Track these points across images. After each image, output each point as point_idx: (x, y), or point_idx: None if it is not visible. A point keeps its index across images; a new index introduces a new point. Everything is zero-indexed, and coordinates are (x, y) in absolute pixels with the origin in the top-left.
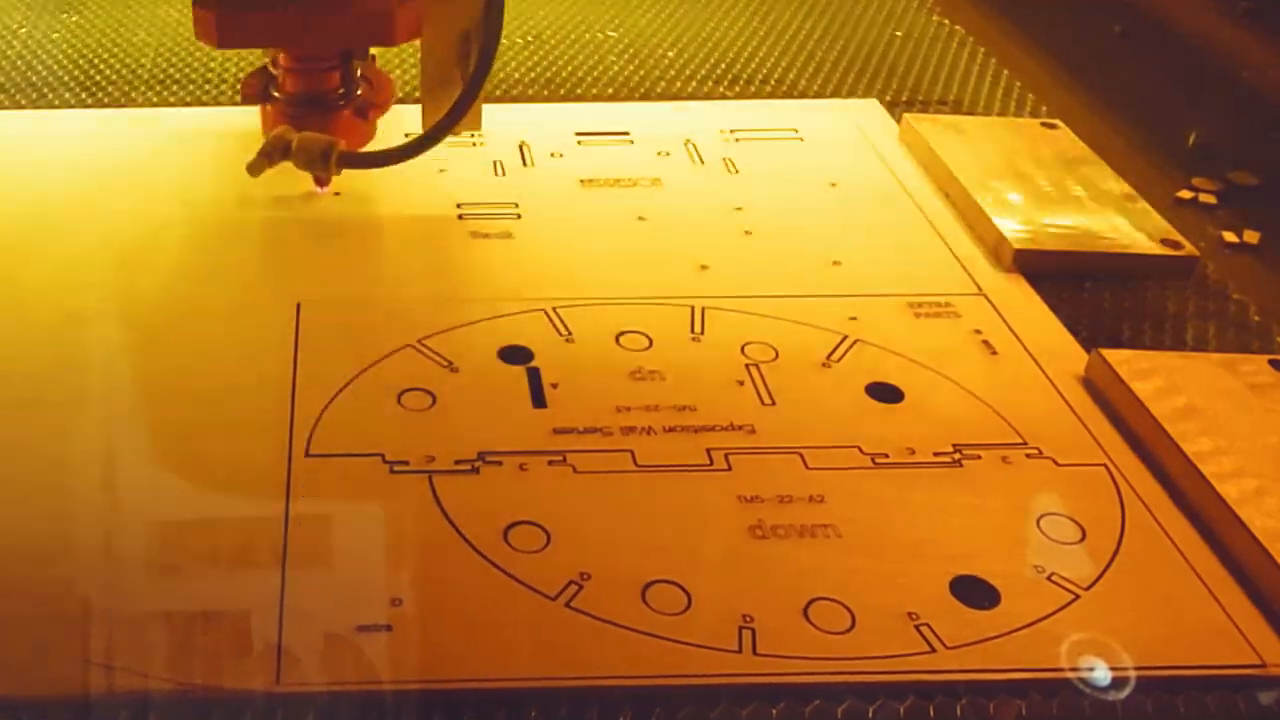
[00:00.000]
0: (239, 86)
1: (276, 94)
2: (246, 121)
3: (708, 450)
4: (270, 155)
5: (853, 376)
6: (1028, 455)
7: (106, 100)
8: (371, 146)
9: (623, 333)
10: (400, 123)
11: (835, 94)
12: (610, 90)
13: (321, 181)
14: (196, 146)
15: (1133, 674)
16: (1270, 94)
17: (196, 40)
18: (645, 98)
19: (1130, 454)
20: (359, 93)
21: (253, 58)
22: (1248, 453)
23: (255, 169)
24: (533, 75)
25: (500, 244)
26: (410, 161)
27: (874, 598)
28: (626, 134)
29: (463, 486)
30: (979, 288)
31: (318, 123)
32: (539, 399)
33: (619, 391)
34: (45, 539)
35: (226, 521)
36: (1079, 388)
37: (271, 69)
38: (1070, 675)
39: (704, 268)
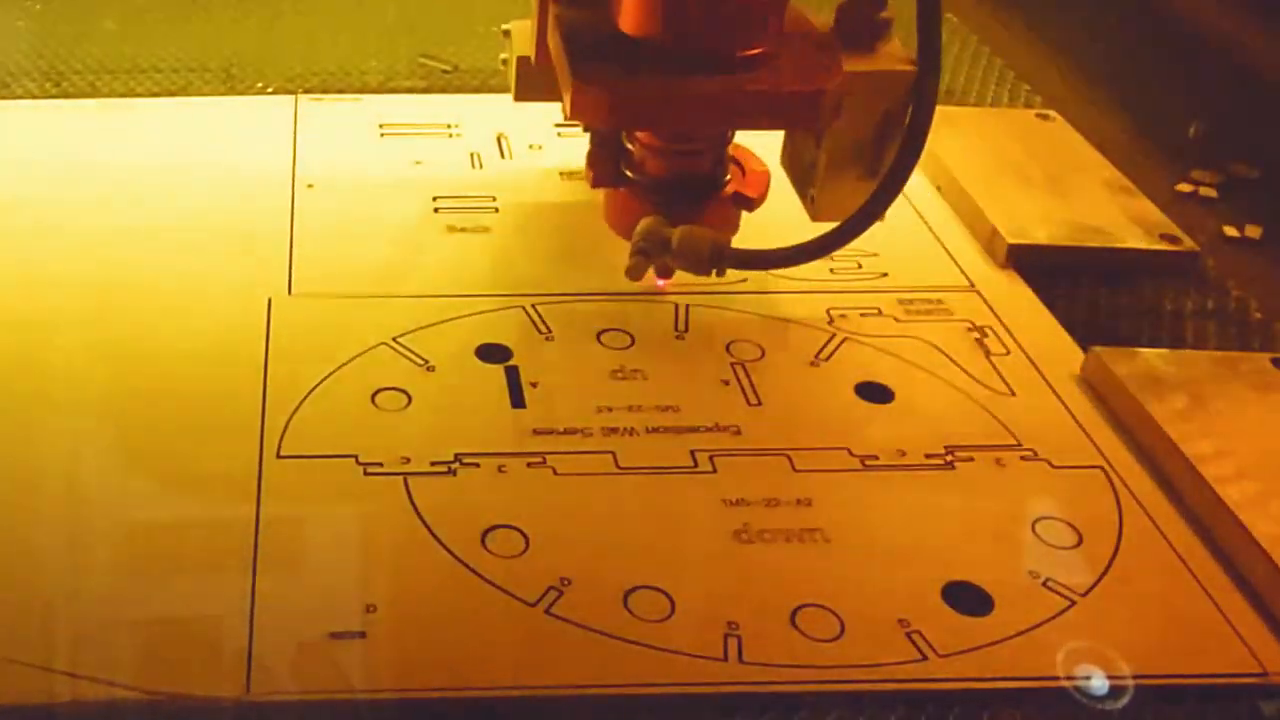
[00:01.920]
0: (584, 168)
1: (630, 174)
2: (218, 112)
3: (692, 452)
4: (648, 252)
5: (842, 376)
6: (1022, 457)
7: (72, 90)
8: None
9: (604, 330)
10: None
11: None
12: None
13: (667, 273)
14: (166, 138)
15: (1131, 683)
16: (1273, 82)
17: (572, 119)
18: None
19: (1128, 456)
20: (728, 178)
21: (235, 48)
22: (1249, 454)
23: (635, 272)
24: None
25: (478, 238)
26: (385, 153)
27: (863, 604)
28: None
29: (439, 489)
30: (972, 284)
31: (689, 213)
32: (518, 398)
33: (600, 391)
34: (7, 544)
35: (195, 525)
36: (1075, 387)
37: (627, 144)
38: (1066, 685)
39: None
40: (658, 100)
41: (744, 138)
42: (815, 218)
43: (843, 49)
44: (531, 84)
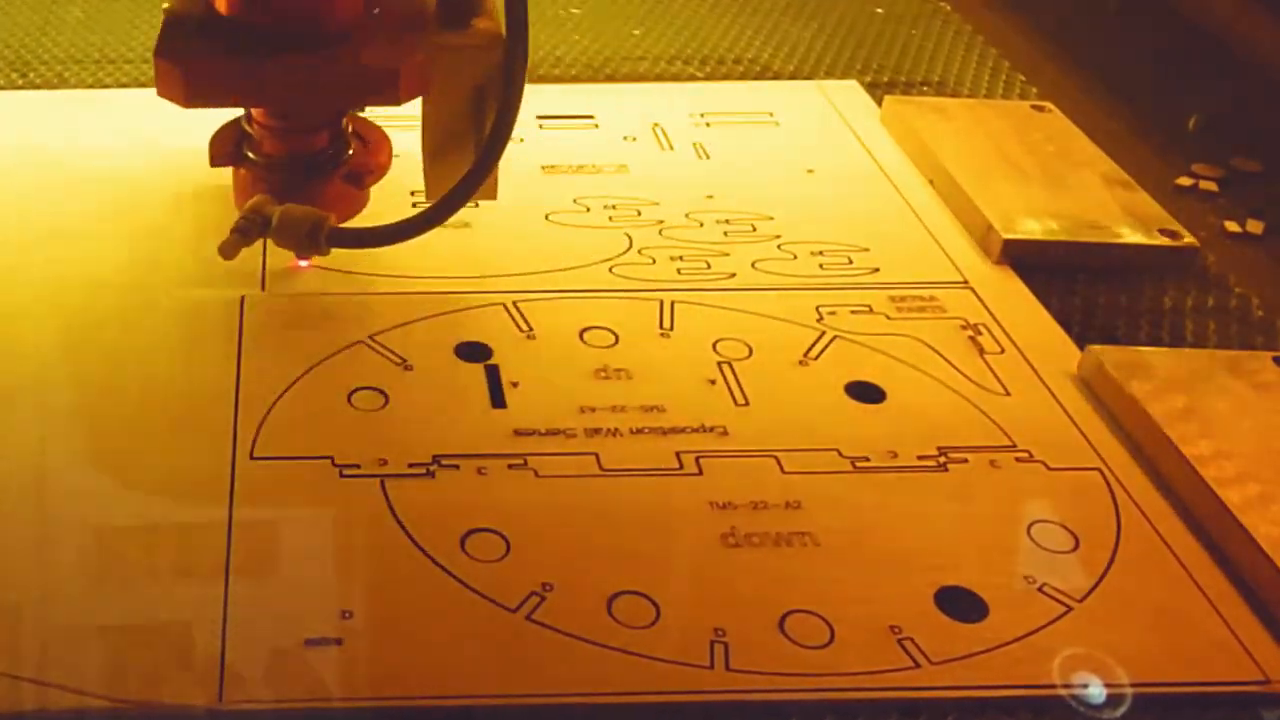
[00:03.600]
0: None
1: (252, 154)
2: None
3: (677, 453)
4: (246, 232)
5: (831, 375)
6: (1017, 459)
7: (40, 82)
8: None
9: (587, 328)
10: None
11: (812, 75)
12: (574, 71)
13: (303, 255)
14: (135, 131)
15: (1129, 691)
16: (1276, 74)
17: (159, 95)
18: (611, 79)
19: (1126, 457)
20: (349, 154)
21: None
22: (1251, 456)
23: (229, 250)
24: None
25: (457, 234)
26: None
27: (854, 610)
28: (591, 118)
29: (417, 491)
30: (965, 280)
31: (303, 191)
32: (498, 398)
33: (583, 391)
34: None
35: (166, 529)
36: (1072, 387)
37: (246, 126)
38: (1063, 692)
39: (674, 259)
40: (237, 77)
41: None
42: (428, 195)
43: (438, 25)
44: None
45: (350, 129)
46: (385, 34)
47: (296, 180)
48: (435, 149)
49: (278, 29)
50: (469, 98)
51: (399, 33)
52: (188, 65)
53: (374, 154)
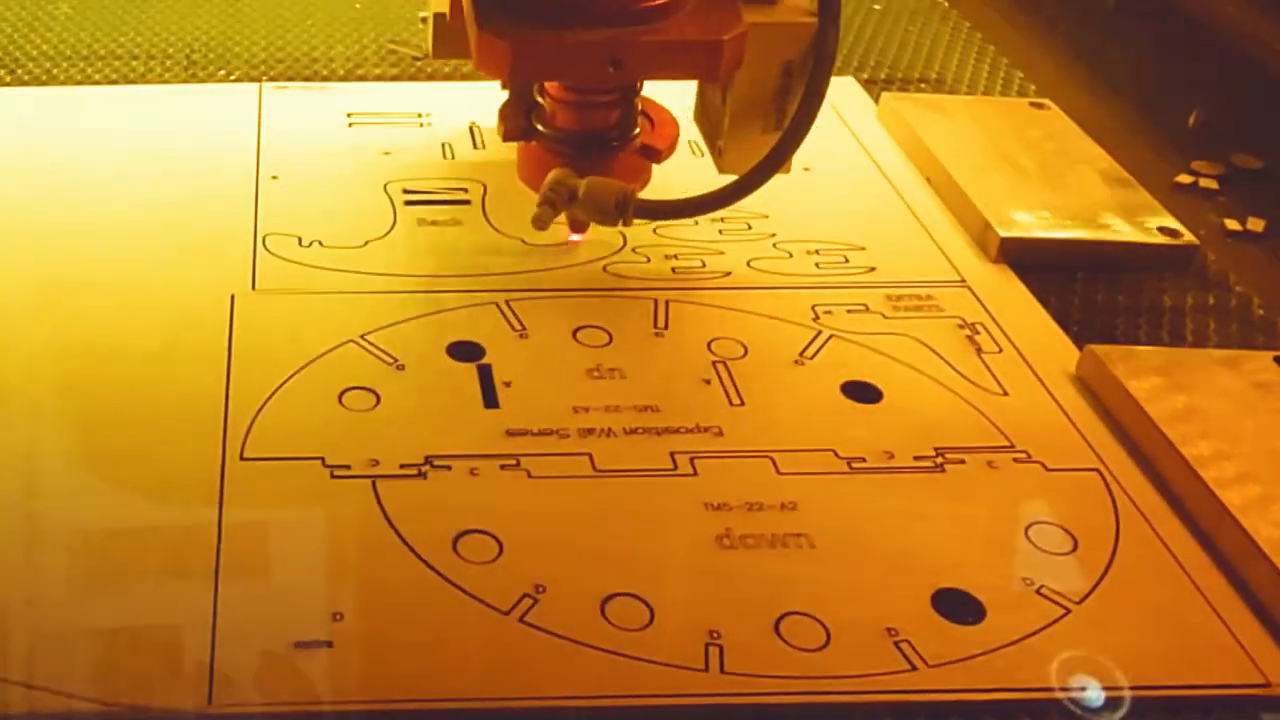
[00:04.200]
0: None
1: (541, 128)
2: (178, 101)
3: (672, 454)
4: (554, 203)
5: (827, 375)
6: (1015, 459)
7: (26, 78)
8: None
9: (580, 327)
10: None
11: None
12: None
13: (580, 228)
14: (124, 128)
15: (1128, 694)
16: (1276, 71)
17: (479, 70)
18: None
19: (1125, 458)
20: (637, 131)
21: (195, 34)
22: (1251, 456)
23: (541, 222)
24: None
25: (449, 231)
26: (352, 143)
27: (850, 612)
28: None
29: (409, 492)
30: (963, 279)
31: (601, 164)
32: (490, 399)
33: (576, 390)
34: None
35: (155, 530)
36: (1070, 386)
37: (539, 98)
38: (1061, 695)
39: (668, 258)
40: (560, 51)
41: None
42: (722, 170)
43: (745, 1)
44: (448, 40)
45: (640, 108)
46: (699, 9)
47: (597, 154)
48: (736, 124)
49: (589, 3)
50: (776, 74)
51: (715, 8)
52: (514, 40)
53: (662, 129)
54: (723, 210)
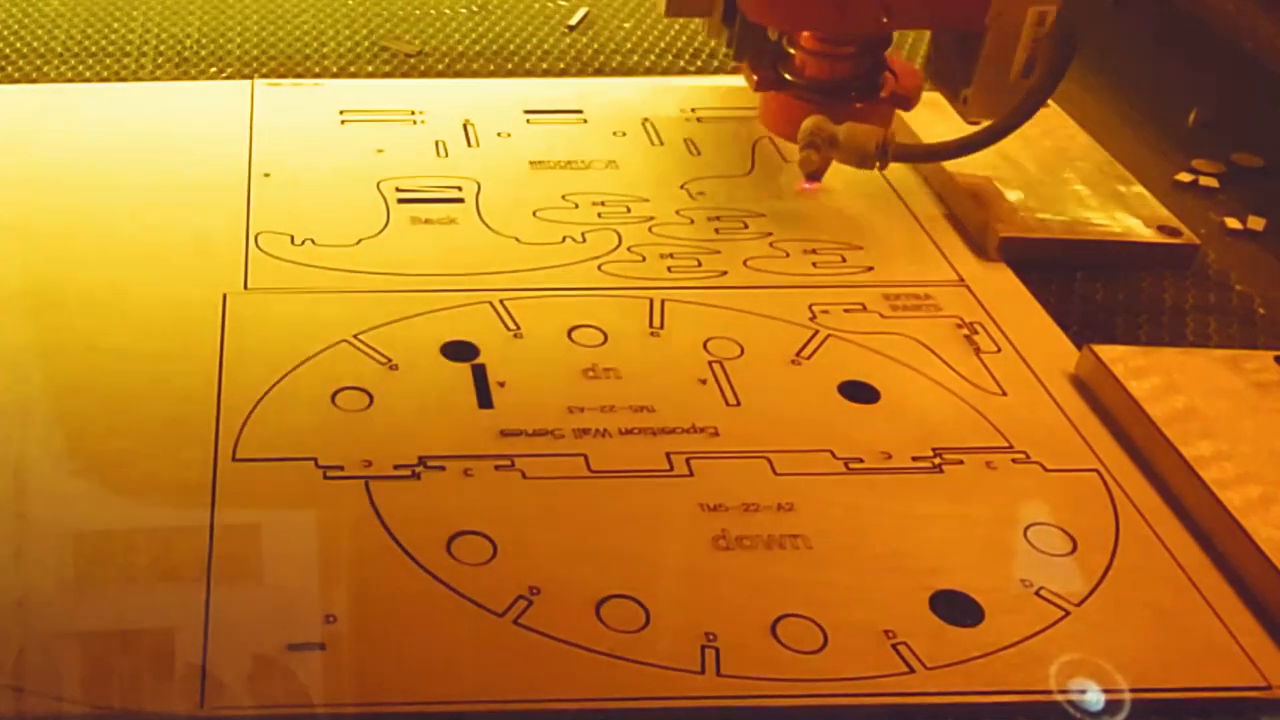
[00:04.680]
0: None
1: (790, 78)
2: (170, 98)
3: (667, 454)
4: (817, 146)
5: (824, 374)
6: (1014, 460)
7: (17, 75)
8: None
9: (575, 327)
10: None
11: None
12: (562, 65)
13: (817, 176)
14: (115, 126)
15: (1127, 696)
16: (1277, 68)
17: (751, 19)
18: (600, 73)
19: (1125, 458)
20: (881, 80)
21: (187, 29)
22: (1252, 457)
23: (807, 165)
24: (478, 48)
25: (443, 230)
26: (346, 142)
27: (847, 614)
28: (580, 112)
29: (402, 493)
30: (961, 278)
31: (852, 113)
32: (485, 399)
33: (571, 391)
34: None
35: (146, 532)
36: (1069, 386)
37: (788, 49)
38: (1060, 698)
39: (664, 257)
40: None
41: None
42: (968, 118)
43: None
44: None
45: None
46: None
47: (845, 102)
48: (985, 72)
49: None
50: (1030, 22)
51: None
52: None
53: (905, 78)
54: (718, 210)
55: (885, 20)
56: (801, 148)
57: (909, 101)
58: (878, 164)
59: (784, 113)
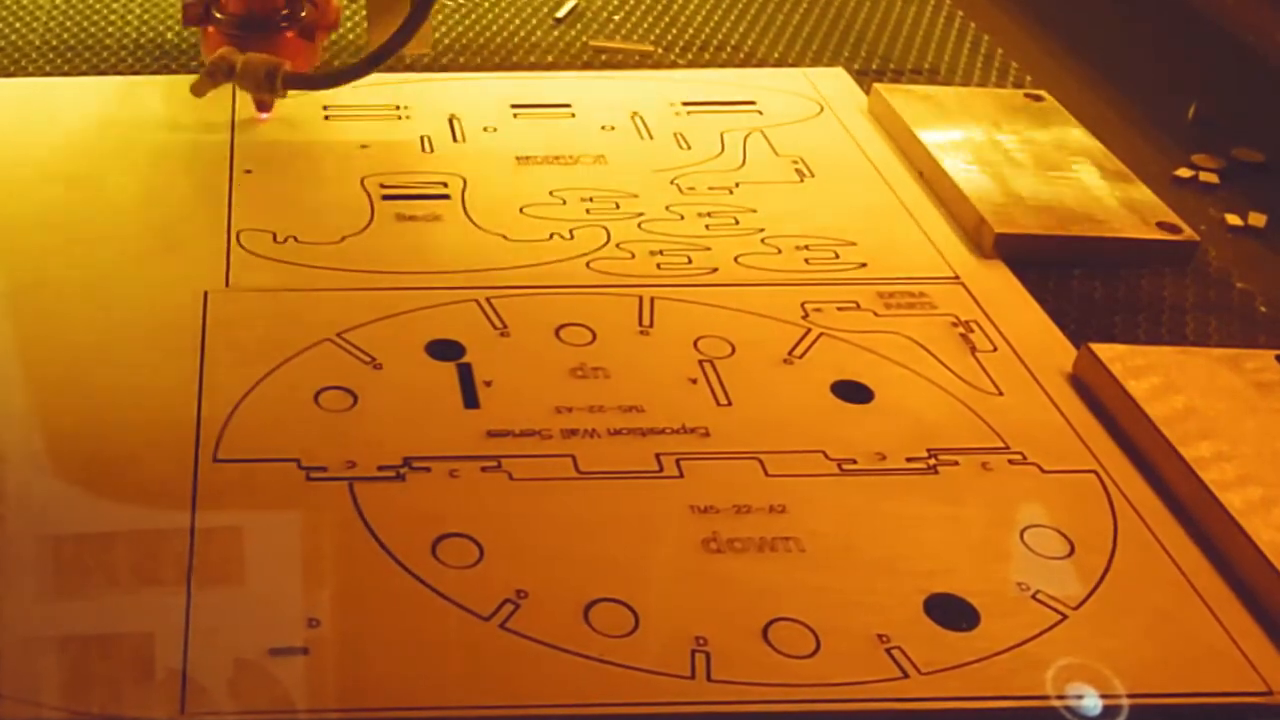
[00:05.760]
0: (180, 10)
1: (219, 15)
2: (150, 92)
3: (657, 455)
4: (214, 75)
5: (817, 374)
6: (1010, 461)
7: None
8: None
9: (563, 325)
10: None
11: (797, 62)
12: (550, 58)
13: (264, 106)
14: (95, 120)
15: (1125, 702)
16: (1277, 61)
17: None
18: (588, 67)
19: (1123, 459)
20: (303, 14)
21: (167, 23)
22: (1253, 458)
23: (200, 89)
24: (464, 42)
25: (428, 227)
26: (329, 138)
27: (840, 618)
28: (567, 106)
29: (387, 495)
30: (956, 275)
31: (262, 45)
32: (471, 398)
33: (559, 390)
34: None
35: (126, 534)
36: (1067, 386)
37: None
38: (1057, 703)
39: (654, 253)
40: None
41: None
42: (370, 44)
43: None
44: None
45: None
46: None
47: (256, 33)
48: (377, 4)
49: None
50: None
51: None
52: None
53: (323, 14)
54: (709, 206)
55: None
56: (200, 75)
57: (314, 33)
58: (275, 91)
59: (209, 47)
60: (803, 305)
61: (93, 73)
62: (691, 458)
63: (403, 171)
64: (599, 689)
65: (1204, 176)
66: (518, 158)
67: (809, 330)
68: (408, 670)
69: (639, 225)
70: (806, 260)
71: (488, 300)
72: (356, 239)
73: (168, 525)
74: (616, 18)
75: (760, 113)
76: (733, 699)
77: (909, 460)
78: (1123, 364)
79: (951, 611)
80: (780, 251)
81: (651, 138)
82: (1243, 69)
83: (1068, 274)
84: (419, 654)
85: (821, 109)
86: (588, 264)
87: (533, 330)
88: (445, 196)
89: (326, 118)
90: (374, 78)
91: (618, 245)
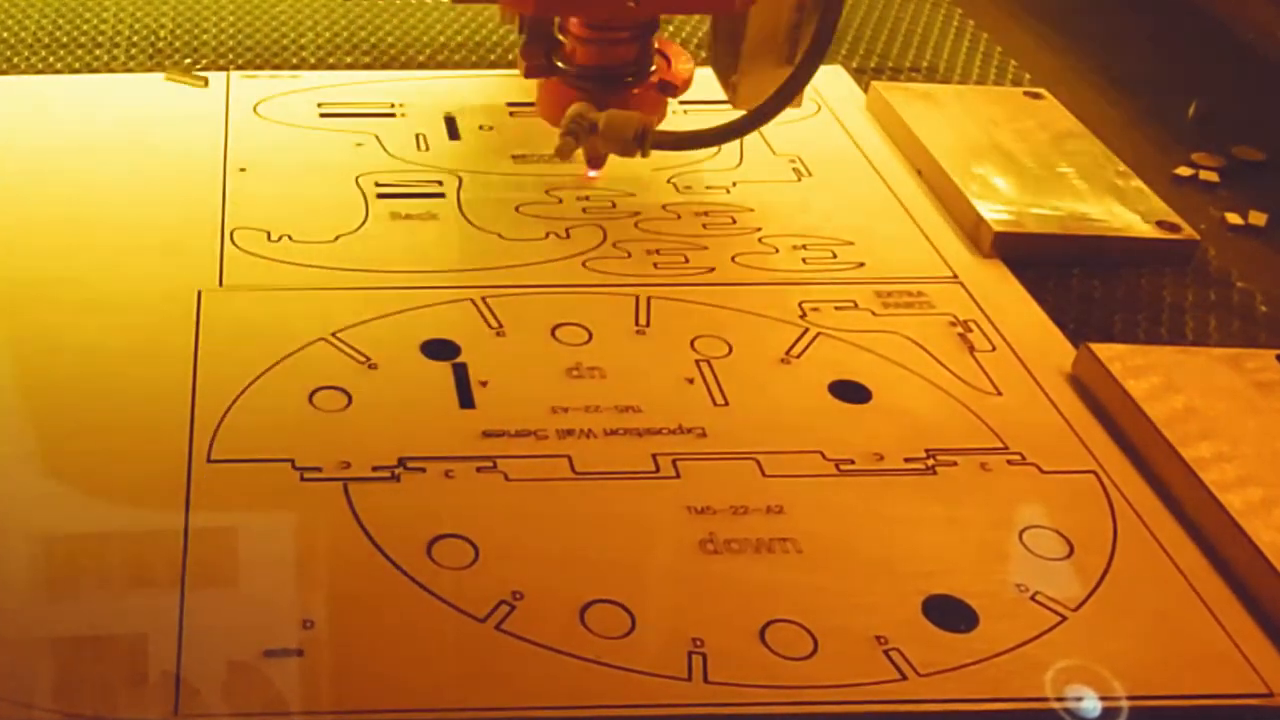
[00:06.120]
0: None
1: (561, 65)
2: (143, 91)
3: (654, 456)
4: (576, 134)
5: (814, 374)
6: (1009, 461)
7: None
8: None
9: (559, 325)
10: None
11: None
12: None
13: (598, 163)
14: (87, 119)
15: (1125, 704)
16: (1278, 60)
17: (504, 6)
18: None
19: (1123, 460)
20: (653, 67)
21: (161, 19)
22: (1253, 458)
23: (564, 152)
24: (460, 40)
25: (423, 226)
26: (324, 136)
27: (838, 619)
28: None
29: (381, 496)
30: (955, 275)
31: (620, 98)
32: (466, 398)
33: (555, 390)
34: None
35: (119, 536)
36: (1066, 386)
37: (560, 36)
38: (1056, 705)
39: (651, 253)
40: None
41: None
42: (736, 104)
43: None
44: None
45: (655, 45)
46: None
47: (615, 88)
48: (751, 58)
49: None
50: (790, 9)
51: None
52: None
53: (678, 66)
54: (706, 205)
55: (633, 5)
56: (561, 134)
57: (675, 89)
58: (639, 152)
59: (553, 100)
60: (800, 305)
61: (85, 70)
62: (688, 458)
63: (398, 170)
64: (595, 691)
65: (1204, 175)
66: (514, 156)
67: (806, 330)
68: (403, 672)
69: (635, 224)
70: (804, 260)
71: (483, 299)
72: (351, 238)
73: (161, 526)
74: None
75: None
76: (730, 701)
77: (907, 461)
78: (1122, 364)
79: (950, 613)
80: (778, 251)
81: None
82: (1243, 67)
83: (1067, 273)
84: (414, 655)
85: (819, 107)
86: (584, 263)
87: (528, 330)
88: (440, 195)
89: (321, 116)
90: (369, 75)
91: (614, 244)
